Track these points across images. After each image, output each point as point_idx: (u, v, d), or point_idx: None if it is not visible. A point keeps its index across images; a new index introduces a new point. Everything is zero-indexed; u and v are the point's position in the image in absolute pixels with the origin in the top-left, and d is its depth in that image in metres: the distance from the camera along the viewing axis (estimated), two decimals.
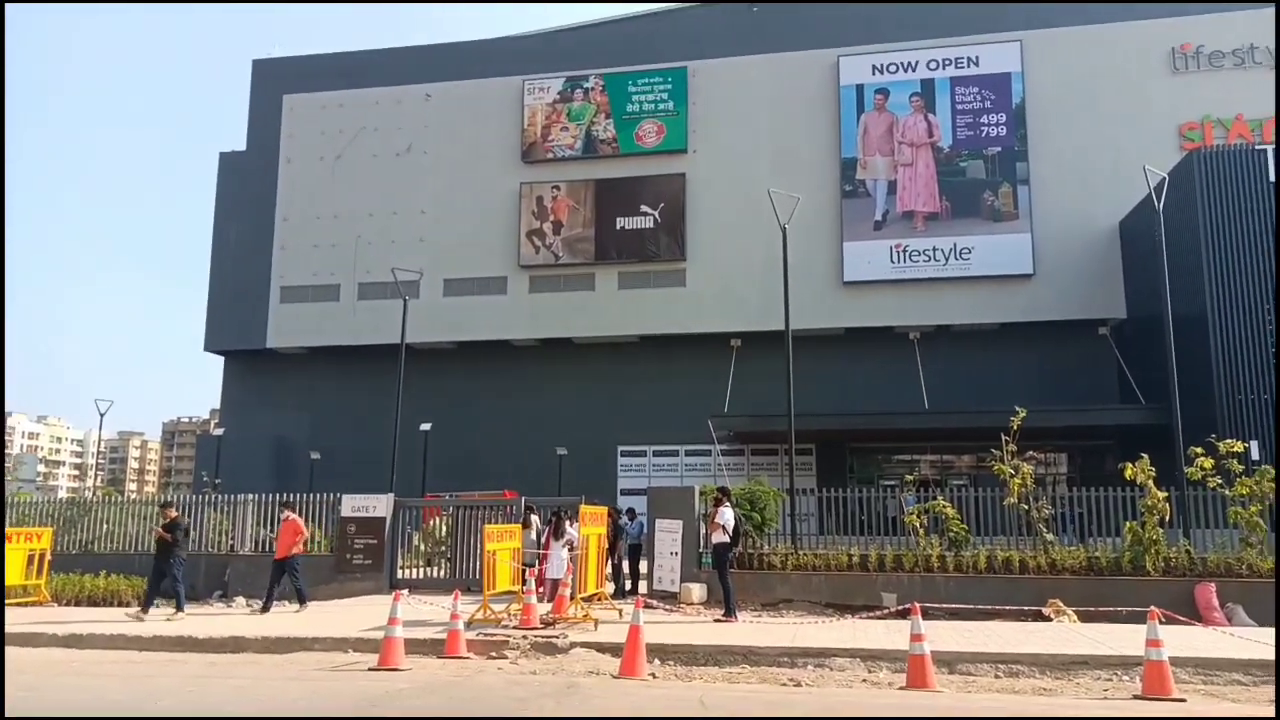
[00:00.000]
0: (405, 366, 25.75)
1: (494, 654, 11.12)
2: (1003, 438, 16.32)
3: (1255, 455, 19.48)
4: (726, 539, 13.57)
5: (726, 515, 13.66)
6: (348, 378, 37.37)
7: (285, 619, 13.71)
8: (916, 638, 9.34)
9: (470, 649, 11.04)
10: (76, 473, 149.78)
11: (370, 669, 10.07)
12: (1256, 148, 27.04)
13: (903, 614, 10.63)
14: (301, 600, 14.88)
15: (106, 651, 11.78)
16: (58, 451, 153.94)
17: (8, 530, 15.94)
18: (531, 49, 38.80)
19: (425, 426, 31.59)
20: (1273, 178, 25.49)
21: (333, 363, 37.82)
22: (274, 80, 40.20)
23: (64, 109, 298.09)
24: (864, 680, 9.83)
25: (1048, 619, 13.49)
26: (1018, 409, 16.46)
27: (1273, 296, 24.40)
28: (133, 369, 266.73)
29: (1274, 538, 14.60)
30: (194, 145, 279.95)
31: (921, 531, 15.90)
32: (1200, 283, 25.22)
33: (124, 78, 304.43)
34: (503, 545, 13.50)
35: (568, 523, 15.24)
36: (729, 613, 13.32)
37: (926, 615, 11.51)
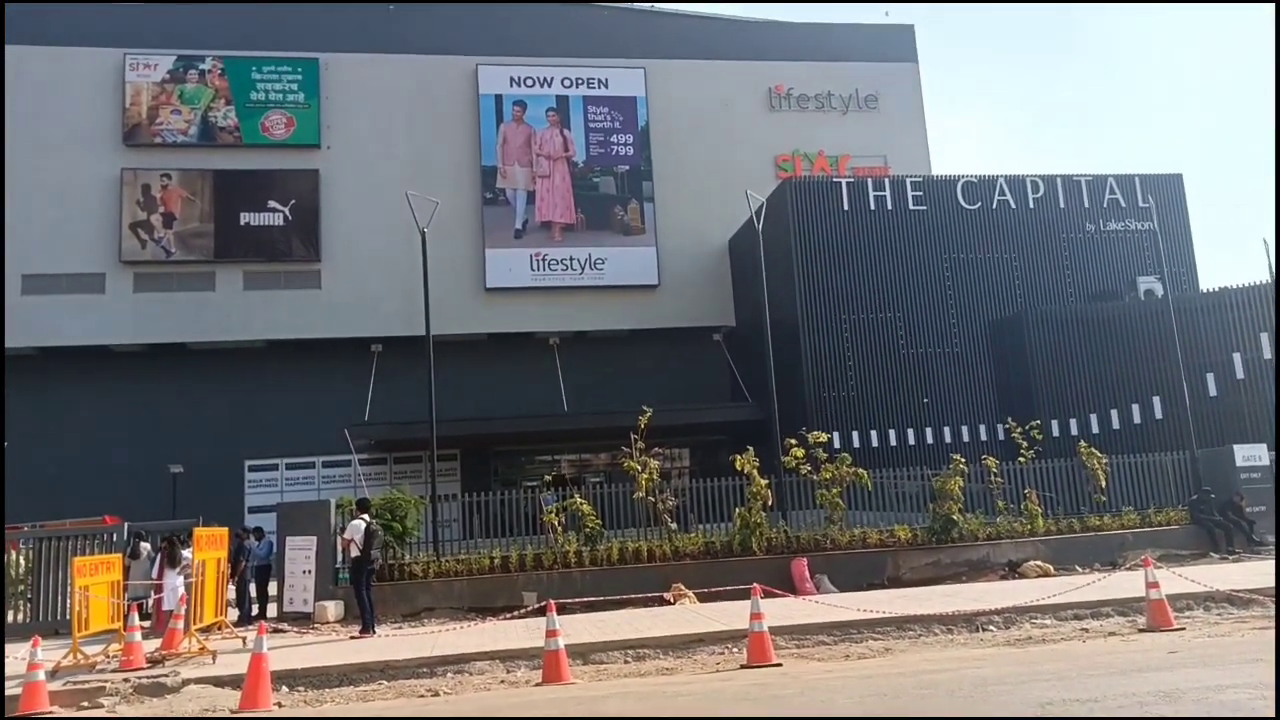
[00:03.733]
0: None
1: (86, 704, 9.72)
2: (632, 436, 17.42)
3: (837, 444, 22.65)
4: (359, 552, 13.07)
5: (356, 526, 13.17)
6: None
7: None
8: (551, 634, 9.65)
9: (55, 701, 9.56)
10: None
11: None
12: (833, 180, 31.53)
13: (542, 611, 10.92)
14: None
15: None
16: None
17: None
18: (131, 19, 34.23)
19: None
20: (846, 207, 29.85)
21: None
22: None
23: None
24: (502, 681, 9.96)
25: (671, 603, 14.62)
26: (645, 409, 17.67)
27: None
28: None
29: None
30: None
31: (559, 529, 16.48)
32: (793, 295, 28.83)
33: None
34: (98, 579, 11.85)
35: (182, 548, 13.78)
36: (367, 628, 12.84)
37: (564, 610, 11.96)
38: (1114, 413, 25.28)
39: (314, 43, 34.98)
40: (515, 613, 12.69)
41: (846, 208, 29.83)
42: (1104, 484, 18.36)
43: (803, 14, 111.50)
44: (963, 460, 17.54)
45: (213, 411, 32.52)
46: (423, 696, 9.35)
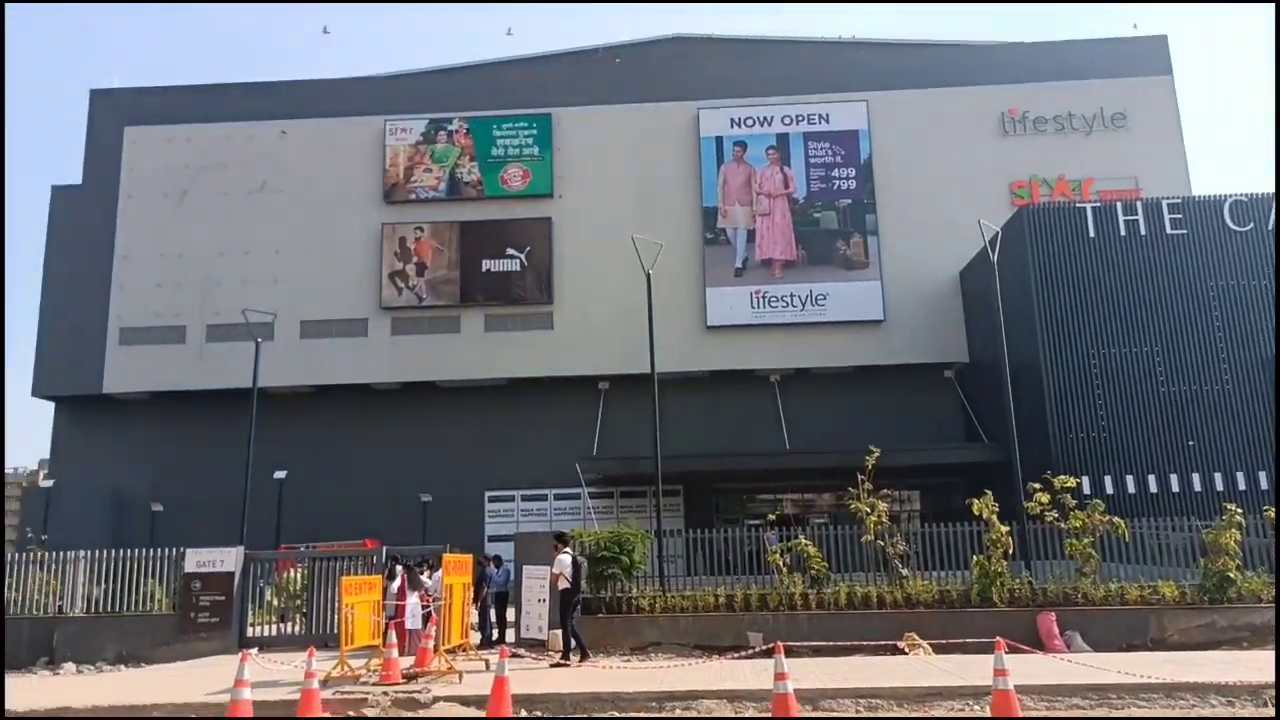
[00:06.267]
0: (258, 412, 24.56)
1: (352, 713, 10.63)
2: (859, 476, 16.93)
3: (1086, 490, 20.92)
4: (568, 585, 13.45)
5: (564, 562, 13.58)
6: (194, 424, 35.26)
7: (119, 684, 12.66)
8: (780, 676, 9.49)
9: (326, 709, 10.52)
10: None
11: None
12: (1077, 205, 29.43)
13: (768, 653, 10.79)
14: None
15: None
16: None
17: None
18: (391, 89, 38.24)
19: (280, 474, 30.12)
20: (1092, 234, 27.78)
21: (178, 408, 35.64)
22: (113, 112, 38.03)
23: None
24: None
25: (903, 652, 13.98)
26: (872, 449, 17.14)
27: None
28: None
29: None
30: (21, 177, 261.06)
31: (784, 570, 16.24)
32: (1032, 329, 27.08)
33: None
34: (362, 598, 12.97)
35: (424, 572, 14.83)
36: (567, 655, 13.24)
37: (790, 653, 11.75)
38: None
39: (546, 98, 37.25)
40: (742, 652, 12.60)
41: (1092, 234, 27.78)
42: None
43: (1037, 33, 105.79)
44: (1239, 510, 15.66)
45: (457, 444, 34.94)
46: None
